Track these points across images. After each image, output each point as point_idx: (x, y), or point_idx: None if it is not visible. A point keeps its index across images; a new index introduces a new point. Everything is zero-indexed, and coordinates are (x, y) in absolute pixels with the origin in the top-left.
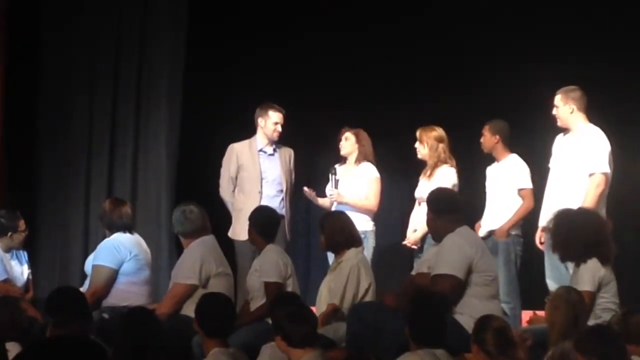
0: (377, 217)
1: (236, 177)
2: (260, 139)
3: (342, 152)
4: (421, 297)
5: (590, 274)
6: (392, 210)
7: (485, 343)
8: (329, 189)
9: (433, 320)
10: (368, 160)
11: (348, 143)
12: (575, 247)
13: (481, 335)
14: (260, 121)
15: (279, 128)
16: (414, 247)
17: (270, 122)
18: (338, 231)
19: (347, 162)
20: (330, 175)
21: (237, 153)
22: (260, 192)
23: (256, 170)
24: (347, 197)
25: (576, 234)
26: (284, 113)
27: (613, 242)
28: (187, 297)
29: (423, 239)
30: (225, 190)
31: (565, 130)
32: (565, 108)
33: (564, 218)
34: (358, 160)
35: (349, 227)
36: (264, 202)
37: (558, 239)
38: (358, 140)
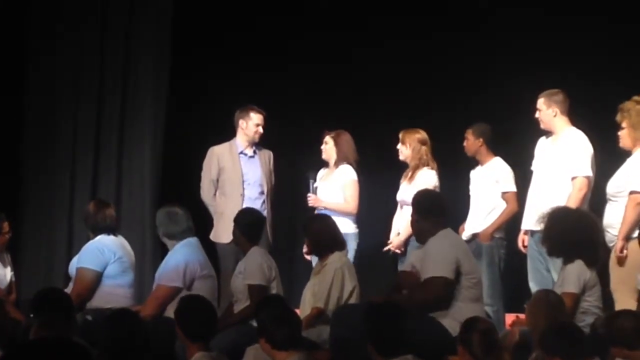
0: (360, 219)
1: (217, 180)
2: (240, 141)
3: (323, 156)
4: (373, 310)
5: (575, 276)
6: (376, 213)
7: (471, 345)
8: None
9: (392, 329)
10: (348, 162)
11: (328, 147)
12: (564, 243)
13: (467, 337)
14: (242, 123)
15: (260, 130)
16: (397, 251)
17: (252, 123)
18: (322, 235)
19: (329, 165)
20: (308, 182)
21: (218, 156)
22: (243, 195)
23: (237, 173)
24: (325, 201)
25: (568, 231)
26: (264, 115)
27: (603, 248)
28: (171, 300)
29: (406, 243)
30: (206, 193)
31: (548, 133)
32: (548, 111)
33: (560, 214)
34: (337, 164)
35: (332, 230)
36: (245, 205)
37: (550, 232)
38: (336, 144)
